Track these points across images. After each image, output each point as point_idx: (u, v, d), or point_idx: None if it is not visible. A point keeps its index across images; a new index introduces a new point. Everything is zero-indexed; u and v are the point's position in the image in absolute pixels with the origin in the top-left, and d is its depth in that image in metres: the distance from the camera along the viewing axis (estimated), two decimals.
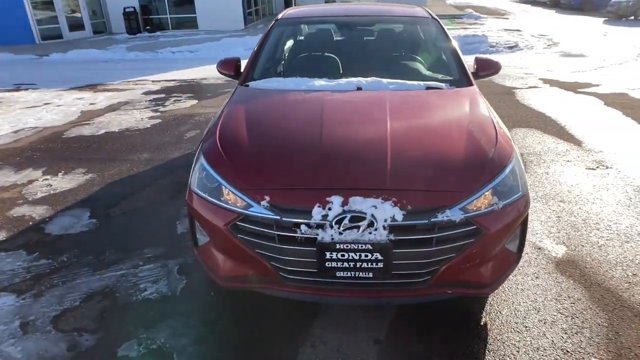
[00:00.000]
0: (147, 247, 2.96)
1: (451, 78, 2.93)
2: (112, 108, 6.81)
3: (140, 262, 2.79)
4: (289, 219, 1.93)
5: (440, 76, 3.00)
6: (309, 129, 2.32)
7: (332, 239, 1.89)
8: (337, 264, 1.93)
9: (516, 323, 2.22)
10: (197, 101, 7.15)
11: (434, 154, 2.11)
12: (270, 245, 1.97)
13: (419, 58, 3.23)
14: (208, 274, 2.27)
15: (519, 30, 15.01)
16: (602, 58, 9.93)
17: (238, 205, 2.03)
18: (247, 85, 2.94)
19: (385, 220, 1.87)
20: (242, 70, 3.24)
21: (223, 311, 2.36)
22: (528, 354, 2.03)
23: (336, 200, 1.90)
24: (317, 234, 1.90)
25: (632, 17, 18.50)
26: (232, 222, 2.02)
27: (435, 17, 3.44)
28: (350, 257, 1.92)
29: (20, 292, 2.53)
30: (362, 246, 1.89)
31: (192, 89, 8.16)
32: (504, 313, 2.29)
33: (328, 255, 1.91)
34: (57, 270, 2.73)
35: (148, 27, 18.18)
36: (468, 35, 13.20)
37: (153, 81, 9.07)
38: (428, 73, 3.08)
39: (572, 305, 2.33)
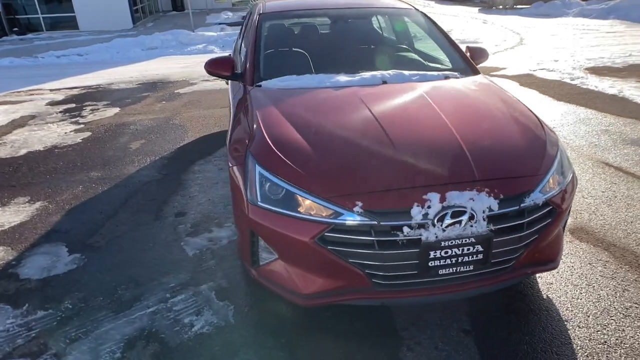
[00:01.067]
0: (163, 275, 2.60)
1: (459, 67, 3.00)
2: (17, 124, 5.84)
3: (167, 294, 2.44)
4: (388, 223, 1.83)
5: (446, 65, 3.05)
6: (368, 128, 2.20)
7: (437, 237, 1.83)
8: (440, 262, 1.88)
9: (573, 294, 2.38)
10: (119, 109, 6.45)
11: (500, 141, 2.15)
12: (366, 253, 1.85)
13: (417, 49, 3.26)
14: (280, 294, 2.07)
15: None
16: (494, 43, 11.03)
17: (324, 215, 1.87)
18: (260, 86, 2.71)
19: (484, 212, 1.87)
20: (237, 70, 2.98)
21: (297, 330, 2.17)
22: (596, 318, 2.19)
23: (434, 198, 1.85)
24: (421, 234, 1.83)
25: (501, 7, 20.85)
26: (319, 234, 1.86)
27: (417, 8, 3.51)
28: (453, 253, 1.88)
29: (35, 355, 2.05)
30: (465, 240, 1.87)
31: (105, 95, 7.34)
32: (556, 286, 2.44)
33: (432, 254, 1.86)
34: (68, 320, 2.26)
35: (16, 29, 15.91)
36: None
37: (52, 90, 7.96)
38: (432, 64, 3.13)
39: (606, 267, 2.57)
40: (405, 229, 1.82)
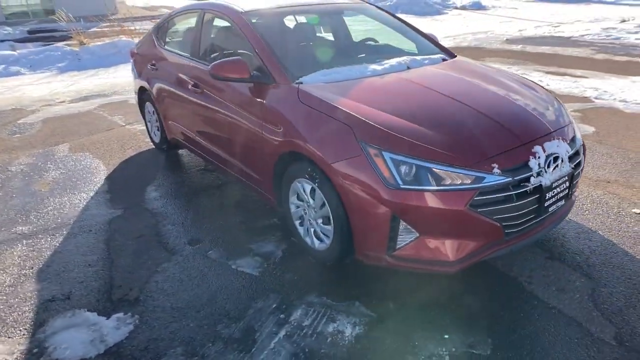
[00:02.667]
0: (253, 301, 2.34)
1: (440, 51, 3.37)
2: None
3: (278, 315, 2.23)
4: (519, 177, 2.11)
5: (430, 50, 3.38)
6: (449, 104, 2.41)
7: (550, 181, 2.20)
8: (550, 201, 2.26)
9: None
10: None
11: (538, 101, 2.62)
12: (504, 207, 2.10)
13: (395, 38, 3.53)
14: (424, 269, 2.17)
15: None
16: None
17: (468, 182, 2.04)
18: (300, 83, 2.62)
19: (567, 154, 2.32)
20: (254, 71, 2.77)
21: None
22: None
23: (539, 150, 2.21)
24: (540, 181, 2.17)
25: None
26: (470, 200, 2.03)
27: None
28: (557, 191, 2.28)
29: None
30: (564, 179, 2.29)
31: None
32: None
33: (548, 195, 2.22)
34: None
35: None
36: None
37: None
38: (415, 50, 3.42)
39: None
40: (532, 179, 2.14)
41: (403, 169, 2.06)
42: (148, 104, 4.51)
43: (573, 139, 2.46)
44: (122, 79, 8.66)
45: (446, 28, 14.21)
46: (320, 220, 2.48)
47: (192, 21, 4.04)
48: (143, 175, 4.11)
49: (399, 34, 3.56)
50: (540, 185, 2.17)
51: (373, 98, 2.44)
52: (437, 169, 2.05)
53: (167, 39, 4.15)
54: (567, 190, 2.36)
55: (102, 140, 5.11)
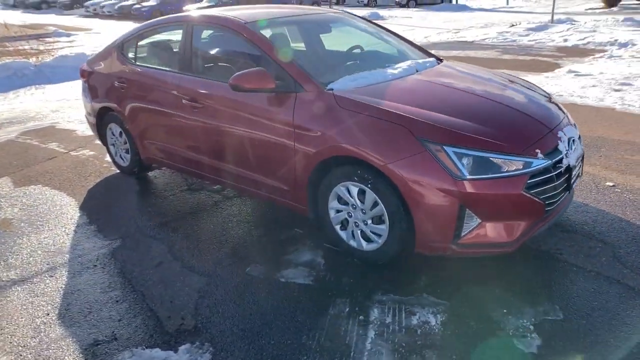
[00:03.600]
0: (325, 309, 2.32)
1: (428, 56, 3.59)
2: None
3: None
4: (555, 159, 2.39)
5: (419, 55, 3.58)
6: (478, 100, 2.62)
7: (574, 160, 2.51)
8: (573, 179, 2.57)
9: None
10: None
11: (540, 95, 2.95)
12: (547, 187, 2.36)
13: (386, 45, 3.68)
14: (486, 252, 2.34)
15: None
16: None
17: (521, 167, 2.26)
18: (331, 89, 2.65)
19: (579, 138, 2.66)
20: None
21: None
22: None
23: (562, 135, 2.51)
24: (568, 162, 2.46)
25: None
26: (524, 183, 2.25)
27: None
28: (577, 170, 2.60)
29: None
30: (579, 158, 2.61)
31: None
32: None
33: (573, 173, 2.53)
34: None
35: None
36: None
37: None
38: (404, 55, 3.59)
39: None
40: (564, 160, 2.43)
41: (465, 161, 2.21)
42: (113, 125, 4.17)
43: (574, 124, 2.82)
44: (31, 104, 7.84)
45: None
46: (370, 221, 2.54)
47: (170, 35, 3.87)
48: (122, 201, 3.79)
49: (383, 41, 3.75)
50: (568, 165, 2.47)
51: (410, 98, 2.57)
52: (494, 158, 2.23)
53: (138, 55, 3.89)
54: (580, 169, 2.70)
55: (50, 170, 4.59)
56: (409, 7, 29.53)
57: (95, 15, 31.36)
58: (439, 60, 3.48)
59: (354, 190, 2.53)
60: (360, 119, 2.45)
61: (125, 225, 3.39)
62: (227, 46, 3.34)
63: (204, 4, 24.40)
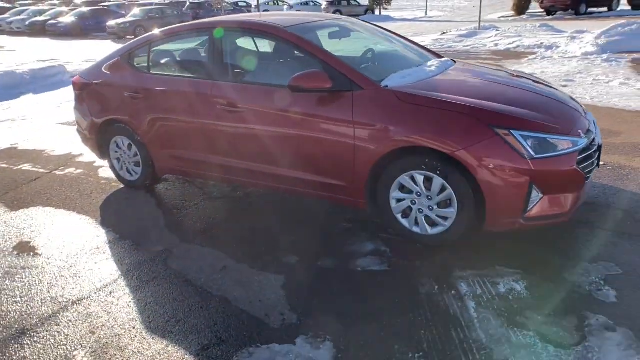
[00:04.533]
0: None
1: (439, 57, 3.88)
2: None
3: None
4: (591, 138, 2.76)
5: (431, 56, 3.85)
6: (519, 91, 2.98)
7: (599, 140, 2.90)
8: (597, 156, 2.96)
9: None
10: None
11: (554, 89, 3.35)
12: (588, 163, 2.71)
13: (397, 47, 3.91)
14: (546, 224, 2.64)
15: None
16: None
17: (571, 146, 2.59)
18: (387, 86, 2.83)
19: (594, 124, 3.06)
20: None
21: None
22: None
23: (590, 118, 2.91)
24: (598, 140, 2.85)
25: (133, 36, 21.21)
26: (576, 159, 2.58)
27: None
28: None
29: None
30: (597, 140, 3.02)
31: None
32: None
33: (599, 152, 2.92)
34: None
35: None
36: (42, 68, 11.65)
37: None
38: (421, 56, 3.83)
39: None
40: (595, 139, 2.80)
41: (529, 142, 2.49)
42: (120, 139, 4.00)
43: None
44: None
45: None
46: (436, 206, 2.74)
47: (185, 43, 3.83)
48: (146, 215, 3.67)
49: (393, 44, 3.99)
50: (598, 143, 2.85)
51: (461, 91, 2.82)
52: (551, 138, 2.54)
53: (152, 64, 3.80)
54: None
55: (42, 190, 4.29)
56: None
57: (1, 31, 28.84)
58: (453, 60, 3.80)
59: (420, 178, 2.72)
60: (426, 111, 2.65)
61: (164, 237, 3.29)
62: (266, 50, 3.40)
63: (128, 19, 23.45)
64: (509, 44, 11.61)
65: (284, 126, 3.05)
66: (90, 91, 4.09)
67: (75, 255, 3.11)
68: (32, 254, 3.17)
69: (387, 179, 2.83)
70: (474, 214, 2.65)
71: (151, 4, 26.98)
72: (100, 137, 4.13)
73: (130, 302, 2.58)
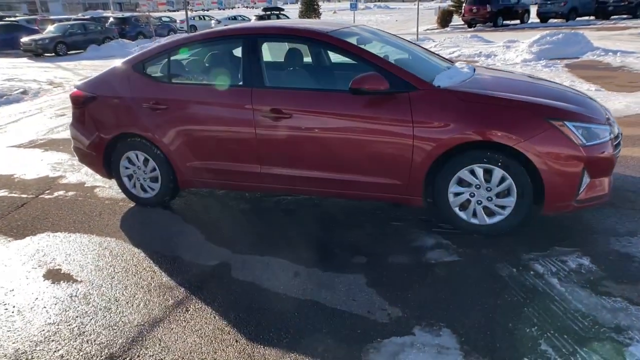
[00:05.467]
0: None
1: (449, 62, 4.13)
2: None
3: None
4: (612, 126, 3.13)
5: (447, 62, 4.08)
6: (551, 88, 3.27)
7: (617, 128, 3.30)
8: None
9: None
10: None
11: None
12: (618, 148, 3.07)
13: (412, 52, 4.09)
14: (593, 205, 2.95)
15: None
16: None
17: (608, 134, 2.92)
18: (439, 86, 2.99)
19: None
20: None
21: None
22: None
23: (608, 110, 3.28)
24: (618, 129, 3.23)
25: (53, 54, 19.74)
26: (613, 146, 2.92)
27: None
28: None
29: None
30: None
31: None
32: None
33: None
34: None
35: None
36: None
37: None
38: (440, 60, 4.04)
39: None
40: (615, 129, 3.18)
41: (580, 132, 2.78)
42: (133, 154, 3.78)
43: None
44: None
45: None
46: (495, 197, 2.94)
47: (213, 51, 3.75)
48: (178, 231, 3.51)
49: (412, 50, 4.17)
50: (619, 131, 3.24)
51: (505, 89, 3.08)
52: (594, 128, 2.85)
53: (176, 72, 3.66)
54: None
55: (40, 215, 3.93)
56: None
57: None
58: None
59: (479, 171, 2.91)
60: (486, 108, 2.86)
61: (212, 251, 3.17)
62: (308, 56, 3.43)
63: (47, 34, 21.78)
64: (450, 53, 12.45)
65: (337, 130, 3.10)
66: (95, 105, 3.83)
67: (129, 279, 2.90)
68: (71, 281, 2.91)
69: (446, 174, 2.98)
70: (531, 201, 2.88)
71: (68, 19, 25.34)
72: (108, 154, 3.88)
73: (213, 315, 2.48)
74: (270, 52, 3.96)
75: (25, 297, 2.76)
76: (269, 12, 30.03)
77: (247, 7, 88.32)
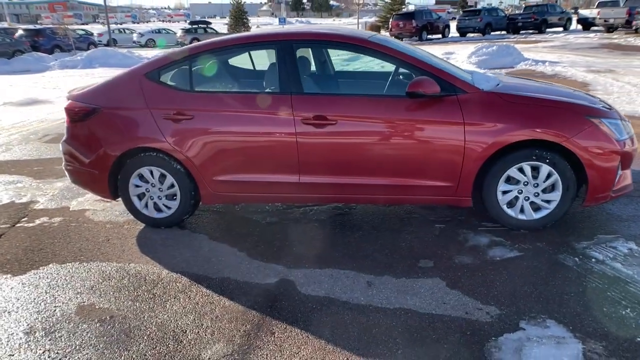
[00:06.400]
0: None
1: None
2: None
3: None
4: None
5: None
6: (567, 90, 3.51)
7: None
8: None
9: None
10: None
11: None
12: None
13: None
14: (623, 194, 3.21)
15: None
16: None
17: (632, 129, 3.21)
18: (483, 89, 3.08)
19: None
20: None
21: None
22: None
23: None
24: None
25: None
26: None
27: None
28: None
29: None
30: None
31: None
32: None
33: None
34: None
35: None
36: None
37: None
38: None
39: None
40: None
41: (614, 128, 3.02)
42: (147, 170, 3.44)
43: None
44: None
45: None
46: (541, 192, 3.08)
47: (238, 55, 3.55)
48: (211, 250, 3.25)
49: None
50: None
51: (543, 92, 3.27)
52: (622, 124, 3.12)
53: (200, 79, 3.41)
54: None
55: (30, 247, 3.43)
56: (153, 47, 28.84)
57: None
58: None
59: (527, 169, 3.04)
60: (533, 108, 3.01)
61: (262, 268, 2.97)
62: (349, 61, 3.36)
63: None
64: None
65: (387, 134, 3.08)
66: (100, 118, 3.44)
67: (185, 307, 2.61)
68: (114, 317, 2.55)
69: (497, 172, 3.07)
70: (574, 194, 3.06)
71: None
72: (114, 172, 3.49)
73: (305, 335, 2.31)
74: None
75: (68, 343, 2.36)
76: (195, 26, 29.25)
77: (163, 21, 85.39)
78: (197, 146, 3.30)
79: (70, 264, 3.16)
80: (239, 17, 27.33)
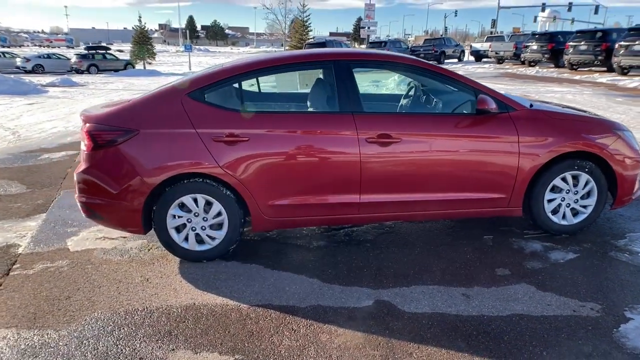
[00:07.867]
0: None
1: None
2: None
3: None
4: None
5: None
6: (578, 106, 3.93)
7: None
8: None
9: None
10: None
11: None
12: None
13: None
14: (636, 198, 3.68)
15: None
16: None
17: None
18: (532, 106, 3.39)
19: None
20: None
21: None
22: None
23: None
24: None
25: None
26: None
27: None
28: None
29: None
30: None
31: None
32: None
33: None
34: None
35: None
36: None
37: None
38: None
39: None
40: None
41: (632, 139, 3.49)
42: (191, 198, 3.14)
43: None
44: None
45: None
46: (579, 199, 3.43)
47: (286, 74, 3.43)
48: (276, 279, 3.06)
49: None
50: None
51: (568, 110, 3.66)
52: (633, 136, 3.62)
53: (253, 100, 3.23)
54: None
55: (51, 296, 2.92)
56: (89, 73, 27.33)
57: None
58: None
59: (569, 177, 3.37)
60: (573, 124, 3.37)
61: (347, 293, 2.87)
62: (405, 81, 3.43)
63: None
64: None
65: (449, 150, 3.21)
66: (135, 142, 3.07)
67: (297, 342, 2.41)
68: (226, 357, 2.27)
69: (544, 183, 3.36)
70: (606, 200, 3.46)
71: None
72: (148, 202, 3.13)
73: (447, 354, 2.29)
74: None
75: None
76: (93, 51, 27.19)
77: (40, 45, 77.87)
78: (251, 170, 3.11)
79: (120, 309, 2.73)
80: (143, 42, 26.07)
